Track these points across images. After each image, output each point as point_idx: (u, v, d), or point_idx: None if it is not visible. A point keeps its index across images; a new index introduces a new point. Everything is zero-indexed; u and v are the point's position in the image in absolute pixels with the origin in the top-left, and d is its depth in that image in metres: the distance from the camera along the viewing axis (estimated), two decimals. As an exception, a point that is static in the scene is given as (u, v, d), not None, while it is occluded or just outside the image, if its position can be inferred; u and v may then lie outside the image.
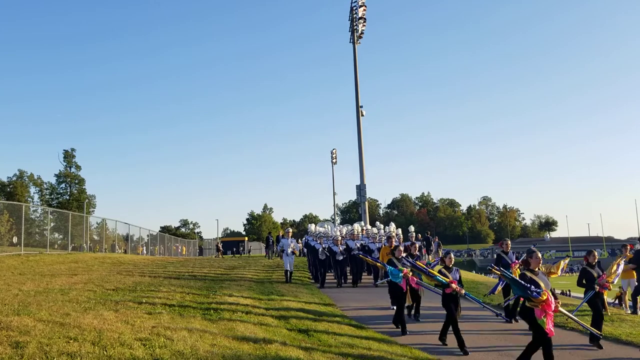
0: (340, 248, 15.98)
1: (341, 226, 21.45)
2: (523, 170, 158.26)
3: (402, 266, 9.34)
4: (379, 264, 10.66)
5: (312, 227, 19.82)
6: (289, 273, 15.30)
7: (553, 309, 6.12)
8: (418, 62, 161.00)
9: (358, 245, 16.27)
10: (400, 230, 17.82)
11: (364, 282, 16.58)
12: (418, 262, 8.54)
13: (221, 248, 44.22)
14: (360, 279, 16.38)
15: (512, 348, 8.40)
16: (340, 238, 16.32)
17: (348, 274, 16.75)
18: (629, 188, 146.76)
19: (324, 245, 16.06)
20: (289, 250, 15.52)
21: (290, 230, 17.02)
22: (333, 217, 67.53)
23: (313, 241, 17.00)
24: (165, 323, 6.99)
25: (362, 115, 29.73)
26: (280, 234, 31.29)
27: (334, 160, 54.73)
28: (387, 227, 18.98)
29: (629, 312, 12.24)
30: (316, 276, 16.58)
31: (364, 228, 18.86)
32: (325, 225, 20.19)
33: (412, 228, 17.60)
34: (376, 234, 17.28)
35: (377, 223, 19.99)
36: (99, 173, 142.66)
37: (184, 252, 46.64)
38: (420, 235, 22.15)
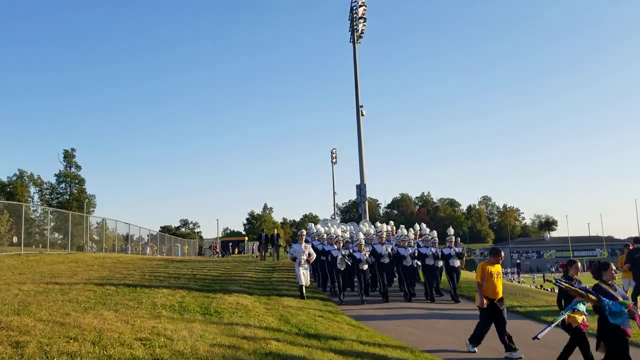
0: (366, 254, 13.16)
1: (343, 225, 19.04)
2: (523, 170, 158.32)
3: (622, 297, 5.92)
4: (591, 296, 6.01)
5: (317, 227, 16.68)
6: (304, 288, 12.30)
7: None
8: (418, 60, 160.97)
9: (389, 250, 13.56)
10: (435, 233, 14.88)
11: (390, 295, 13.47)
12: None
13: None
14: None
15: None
16: (364, 242, 13.43)
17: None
18: (629, 188, 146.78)
19: (343, 252, 12.99)
20: (303, 259, 12.58)
21: (305, 232, 13.98)
22: (333, 216, 67.58)
23: (327, 246, 14.16)
24: (165, 323, 6.99)
25: (362, 115, 29.72)
26: (276, 233, 28.58)
27: (334, 160, 54.87)
28: (417, 226, 16.24)
29: None
30: (331, 287, 13.94)
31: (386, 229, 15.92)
32: (329, 224, 17.38)
33: (451, 231, 14.25)
34: (405, 236, 14.41)
35: (392, 223, 17.45)
36: (99, 173, 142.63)
37: (185, 251, 46.75)
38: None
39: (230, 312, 8.75)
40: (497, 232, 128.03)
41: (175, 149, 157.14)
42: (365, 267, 13.06)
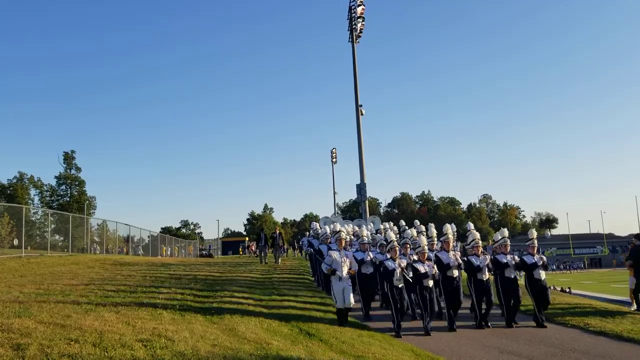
0: (434, 267, 9.90)
1: (351, 224, 16.12)
2: (523, 168, 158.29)
3: None
4: None
5: (337, 227, 13.05)
6: (344, 311, 9.40)
7: None
8: (419, 59, 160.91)
9: (459, 259, 10.39)
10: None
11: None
12: None
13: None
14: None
15: (511, 346, 8.41)
16: (426, 250, 10.05)
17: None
18: (629, 185, 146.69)
19: (402, 263, 9.66)
20: (344, 271, 9.35)
21: (343, 234, 10.39)
22: (335, 214, 67.47)
23: (358, 252, 11.06)
24: (166, 324, 6.99)
25: (362, 114, 29.72)
26: (277, 232, 24.79)
27: (334, 160, 55.01)
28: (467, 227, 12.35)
29: (633, 308, 12.26)
30: (363, 308, 11.09)
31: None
32: (334, 223, 15.11)
33: (534, 233, 11.15)
34: (478, 240, 10.65)
35: (416, 222, 14.41)
36: (99, 174, 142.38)
37: (190, 252, 46.98)
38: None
39: (231, 313, 8.75)
40: (498, 231, 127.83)
41: (175, 149, 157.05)
42: (431, 283, 9.77)
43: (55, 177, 73.88)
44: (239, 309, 9.24)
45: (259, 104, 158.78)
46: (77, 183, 73.79)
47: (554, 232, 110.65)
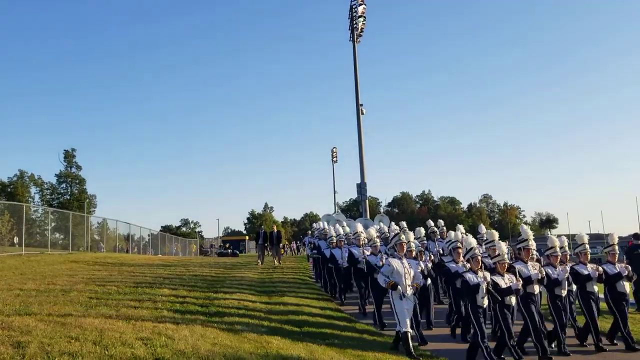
0: (519, 282, 7.42)
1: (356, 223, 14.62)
2: (523, 167, 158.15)
3: None
4: None
5: (341, 227, 12.59)
6: (410, 337, 7.50)
7: None
8: (419, 58, 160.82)
9: (543, 272, 7.92)
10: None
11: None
12: None
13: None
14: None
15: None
16: (506, 260, 7.62)
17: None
18: (629, 185, 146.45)
19: (487, 277, 7.33)
20: (407, 286, 7.59)
21: (404, 237, 8.36)
22: (336, 214, 67.24)
23: (411, 261, 8.15)
24: (166, 322, 7.00)
25: (363, 113, 29.73)
26: (276, 230, 22.30)
27: (335, 159, 54.98)
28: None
29: (635, 309, 12.23)
30: (414, 332, 8.23)
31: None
32: (344, 223, 14.38)
33: (614, 237, 9.59)
34: (553, 249, 8.52)
35: (440, 222, 13.48)
36: (100, 172, 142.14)
37: (193, 250, 47.04)
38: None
39: (231, 312, 8.76)
40: (498, 231, 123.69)
41: (175, 148, 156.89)
42: (513, 300, 7.51)
43: (56, 175, 73.81)
44: (239, 308, 9.25)
45: (259, 102, 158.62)
46: (77, 181, 73.74)
47: (554, 232, 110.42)
